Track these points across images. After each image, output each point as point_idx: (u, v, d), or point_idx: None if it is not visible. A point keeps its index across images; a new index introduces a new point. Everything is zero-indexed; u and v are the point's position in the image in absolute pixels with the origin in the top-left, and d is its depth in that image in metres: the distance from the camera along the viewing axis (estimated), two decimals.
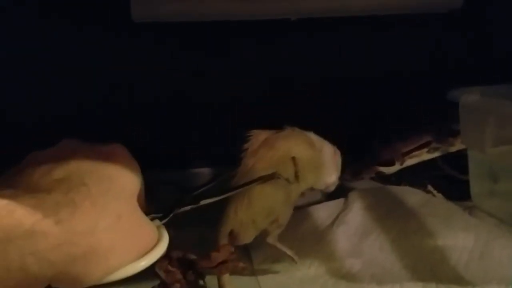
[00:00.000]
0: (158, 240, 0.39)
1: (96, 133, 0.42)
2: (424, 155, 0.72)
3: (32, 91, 0.71)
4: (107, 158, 0.37)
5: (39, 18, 0.68)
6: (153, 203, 0.43)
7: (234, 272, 0.45)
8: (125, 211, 0.35)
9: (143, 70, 0.74)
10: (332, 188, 0.59)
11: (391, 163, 0.72)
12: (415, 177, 0.72)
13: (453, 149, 0.71)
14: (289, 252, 0.53)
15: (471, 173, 0.66)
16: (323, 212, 0.65)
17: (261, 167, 0.52)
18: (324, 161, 0.57)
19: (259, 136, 0.55)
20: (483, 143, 0.58)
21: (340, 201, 0.67)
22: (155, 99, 0.75)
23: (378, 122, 0.79)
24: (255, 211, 0.51)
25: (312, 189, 0.58)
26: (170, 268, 0.43)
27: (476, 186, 0.66)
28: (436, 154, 0.71)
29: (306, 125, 0.58)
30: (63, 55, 0.70)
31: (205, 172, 0.77)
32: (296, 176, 0.53)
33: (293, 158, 0.53)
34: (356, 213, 0.63)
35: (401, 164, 0.72)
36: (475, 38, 0.79)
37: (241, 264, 0.45)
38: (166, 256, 0.44)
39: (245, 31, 0.73)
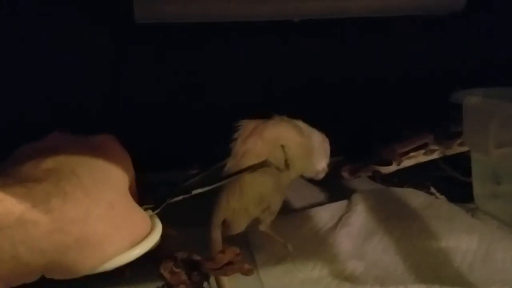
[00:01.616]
0: (152, 229, 0.39)
1: (95, 134, 0.42)
2: (421, 157, 0.72)
3: (32, 90, 0.70)
4: (98, 148, 0.37)
5: (43, 17, 0.68)
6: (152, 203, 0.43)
7: (240, 273, 0.45)
8: (117, 200, 0.35)
9: (145, 71, 0.74)
10: (322, 175, 0.59)
11: (388, 163, 0.72)
12: (418, 179, 0.72)
13: (450, 151, 0.71)
14: (281, 240, 0.54)
15: (474, 175, 0.65)
16: (326, 214, 0.65)
17: (251, 155, 0.53)
18: (313, 148, 0.57)
19: (248, 126, 0.55)
20: (486, 145, 0.58)
21: (343, 203, 0.67)
22: (156, 100, 0.75)
23: (378, 122, 0.79)
24: (247, 199, 0.52)
25: (302, 176, 0.58)
26: (175, 269, 0.43)
27: (479, 188, 0.66)
28: (434, 156, 0.72)
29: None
30: (65, 55, 0.70)
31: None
32: (286, 164, 0.54)
33: (282, 146, 0.54)
34: (359, 215, 0.63)
35: (398, 164, 0.72)
36: (477, 40, 0.79)
37: (246, 266, 0.45)
38: (171, 257, 0.44)
39: (248, 32, 0.73)
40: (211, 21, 0.70)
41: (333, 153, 0.60)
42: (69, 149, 0.36)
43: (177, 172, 0.71)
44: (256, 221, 0.55)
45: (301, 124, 0.57)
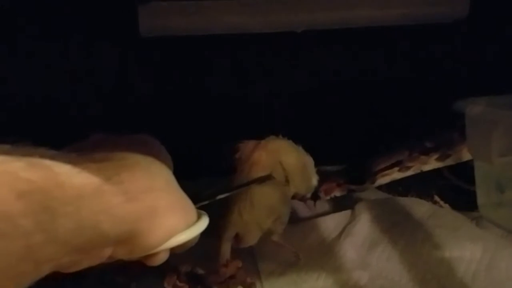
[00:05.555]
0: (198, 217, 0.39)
1: None
2: (396, 174, 0.71)
3: (37, 96, 0.71)
4: (143, 141, 0.40)
5: (47, 30, 0.69)
6: None
7: (242, 287, 0.45)
8: (171, 179, 0.37)
9: (151, 84, 0.74)
10: (311, 191, 0.61)
11: (361, 182, 0.72)
12: (422, 187, 0.72)
13: (427, 167, 0.70)
14: (293, 249, 0.56)
15: (478, 184, 0.65)
16: (330, 224, 0.65)
17: (257, 169, 0.54)
18: (307, 165, 0.59)
19: (248, 145, 0.57)
20: (489, 153, 0.58)
21: (347, 212, 0.67)
22: (163, 110, 0.75)
23: (379, 127, 0.79)
24: (259, 211, 0.54)
25: (297, 193, 0.59)
26: (178, 283, 0.44)
27: (483, 197, 0.65)
28: (410, 173, 0.71)
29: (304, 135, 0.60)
30: (72, 67, 0.71)
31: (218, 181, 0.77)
32: (286, 180, 0.56)
33: (281, 162, 0.55)
34: (363, 225, 0.63)
35: (372, 183, 0.72)
36: (480, 48, 0.79)
37: (248, 279, 0.45)
38: (174, 271, 0.44)
39: (252, 42, 0.74)
40: (215, 33, 0.70)
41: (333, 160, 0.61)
42: (118, 140, 0.39)
43: (190, 180, 0.72)
44: (268, 233, 0.56)
45: (292, 143, 0.59)
